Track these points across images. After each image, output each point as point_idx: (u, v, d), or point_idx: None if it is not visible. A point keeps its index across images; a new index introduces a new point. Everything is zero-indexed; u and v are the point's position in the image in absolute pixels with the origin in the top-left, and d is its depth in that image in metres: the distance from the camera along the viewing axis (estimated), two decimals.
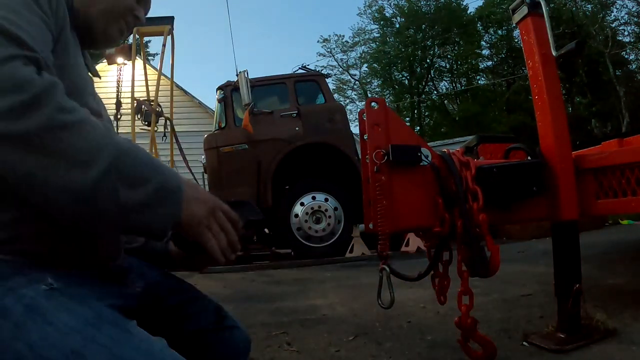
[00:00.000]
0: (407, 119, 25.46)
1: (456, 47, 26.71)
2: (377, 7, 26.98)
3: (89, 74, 0.86)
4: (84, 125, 0.57)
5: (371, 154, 1.24)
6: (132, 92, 6.44)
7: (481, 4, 25.61)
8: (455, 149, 1.47)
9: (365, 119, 1.26)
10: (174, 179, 0.64)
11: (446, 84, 28.24)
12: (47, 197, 0.54)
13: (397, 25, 27.08)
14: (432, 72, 27.44)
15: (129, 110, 6.57)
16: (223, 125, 5.89)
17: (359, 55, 27.75)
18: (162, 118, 6.85)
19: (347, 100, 26.97)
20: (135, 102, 6.52)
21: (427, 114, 27.92)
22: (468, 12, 26.15)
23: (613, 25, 21.62)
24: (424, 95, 27.23)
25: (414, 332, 1.81)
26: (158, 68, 6.98)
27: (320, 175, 5.70)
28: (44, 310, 0.55)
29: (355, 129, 7.16)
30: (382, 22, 27.22)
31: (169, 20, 6.56)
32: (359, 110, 1.31)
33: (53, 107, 0.55)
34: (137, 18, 0.88)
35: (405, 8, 26.55)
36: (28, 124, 0.53)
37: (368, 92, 26.97)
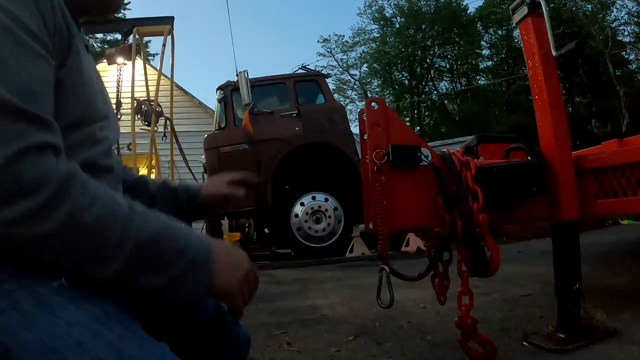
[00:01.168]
0: (407, 119, 25.46)
1: (456, 47, 26.71)
2: (377, 7, 27.03)
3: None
4: (103, 220, 0.55)
5: (371, 154, 1.24)
6: (132, 92, 6.44)
7: (481, 4, 25.66)
8: (455, 149, 1.47)
9: (365, 119, 1.27)
10: (202, 251, 0.63)
11: (446, 84, 28.28)
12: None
13: (397, 25, 27.09)
14: (432, 72, 27.44)
15: (129, 110, 6.56)
16: (223, 125, 5.89)
17: (359, 55, 27.80)
18: (162, 118, 6.85)
19: (347, 100, 26.98)
20: (135, 102, 6.52)
21: (427, 114, 27.92)
22: (468, 12, 26.19)
23: (613, 25, 21.64)
24: (424, 95, 27.22)
25: (414, 332, 1.81)
26: (158, 68, 6.98)
27: (320, 175, 5.70)
28: (53, 304, 0.55)
29: (355, 129, 7.15)
30: (382, 22, 27.23)
31: (169, 20, 6.57)
32: (359, 110, 1.31)
33: (69, 208, 0.52)
34: None
35: (405, 8, 26.55)
36: (37, 230, 0.51)
37: (368, 92, 26.98)
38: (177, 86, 9.20)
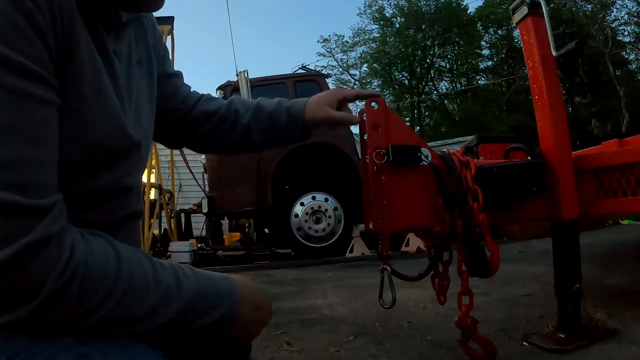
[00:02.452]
0: (407, 119, 25.45)
1: (456, 47, 26.71)
2: (377, 7, 27.02)
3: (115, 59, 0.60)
4: (124, 298, 0.50)
5: (371, 154, 1.24)
6: None
7: (481, 4, 25.66)
8: (455, 149, 1.47)
9: (365, 119, 1.26)
10: (230, 307, 0.61)
11: (446, 84, 28.28)
12: None
13: (397, 25, 27.09)
14: (432, 72, 27.43)
15: None
16: None
17: (359, 55, 27.79)
18: None
19: None
20: None
21: (427, 114, 27.92)
22: (468, 12, 26.18)
23: (613, 25, 21.64)
24: (424, 95, 27.22)
25: (414, 332, 1.81)
26: None
27: (320, 175, 5.70)
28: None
29: (355, 129, 7.15)
30: (382, 22, 27.22)
31: (169, 20, 6.56)
32: (359, 110, 1.31)
33: (67, 308, 0.47)
34: None
35: (405, 8, 26.55)
36: (35, 327, 0.47)
37: None
38: None
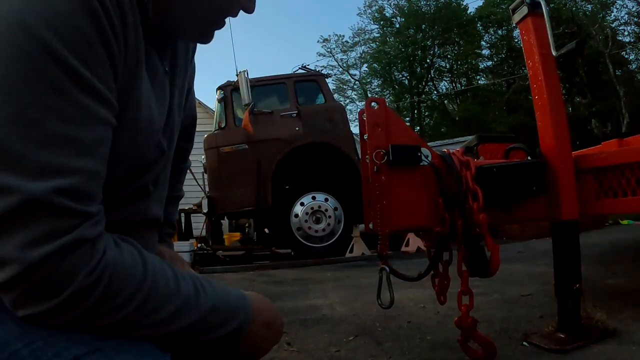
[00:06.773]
0: (407, 119, 25.46)
1: (456, 47, 26.73)
2: (377, 7, 27.03)
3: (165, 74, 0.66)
4: (145, 303, 0.53)
5: (371, 154, 1.24)
6: None
7: (481, 4, 25.66)
8: (455, 149, 1.47)
9: (365, 119, 1.26)
10: (242, 322, 0.64)
11: (446, 84, 28.31)
12: None
13: (397, 25, 27.10)
14: (432, 72, 27.45)
15: None
16: (223, 125, 5.88)
17: (359, 55, 27.80)
18: None
19: (347, 100, 26.98)
20: None
21: (427, 114, 27.94)
22: (468, 12, 26.19)
23: (613, 25, 21.64)
24: (424, 95, 27.23)
25: (414, 332, 1.81)
26: None
27: (320, 175, 5.70)
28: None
29: (355, 129, 7.15)
30: (382, 22, 27.23)
31: None
32: (359, 110, 1.31)
33: (99, 297, 0.49)
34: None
35: (405, 8, 26.56)
36: (57, 322, 0.50)
37: (368, 92, 26.98)
38: None
